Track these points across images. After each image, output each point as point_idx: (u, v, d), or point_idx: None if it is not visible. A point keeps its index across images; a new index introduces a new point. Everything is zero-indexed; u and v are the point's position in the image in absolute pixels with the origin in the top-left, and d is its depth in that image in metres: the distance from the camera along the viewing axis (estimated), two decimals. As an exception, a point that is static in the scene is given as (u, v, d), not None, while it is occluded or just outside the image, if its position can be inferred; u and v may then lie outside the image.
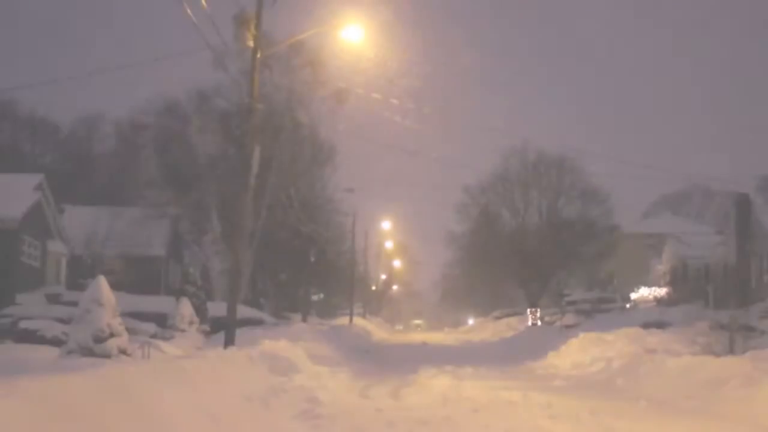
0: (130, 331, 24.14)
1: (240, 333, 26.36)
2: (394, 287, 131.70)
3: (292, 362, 23.05)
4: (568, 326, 52.19)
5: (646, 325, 39.41)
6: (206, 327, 37.44)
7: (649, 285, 69.15)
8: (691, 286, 57.50)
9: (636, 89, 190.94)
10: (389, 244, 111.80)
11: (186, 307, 34.67)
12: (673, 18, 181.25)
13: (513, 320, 73.83)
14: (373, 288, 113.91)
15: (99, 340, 19.60)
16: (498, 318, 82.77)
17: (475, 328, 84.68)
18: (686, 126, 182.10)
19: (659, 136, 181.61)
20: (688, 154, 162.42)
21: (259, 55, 25.42)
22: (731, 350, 25.31)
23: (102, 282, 20.15)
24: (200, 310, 37.53)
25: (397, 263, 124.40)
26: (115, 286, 22.86)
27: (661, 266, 72.54)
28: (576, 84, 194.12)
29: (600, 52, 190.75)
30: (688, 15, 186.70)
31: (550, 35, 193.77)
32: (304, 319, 60.68)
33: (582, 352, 32.80)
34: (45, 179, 51.44)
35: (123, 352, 19.92)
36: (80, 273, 51.83)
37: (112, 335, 19.84)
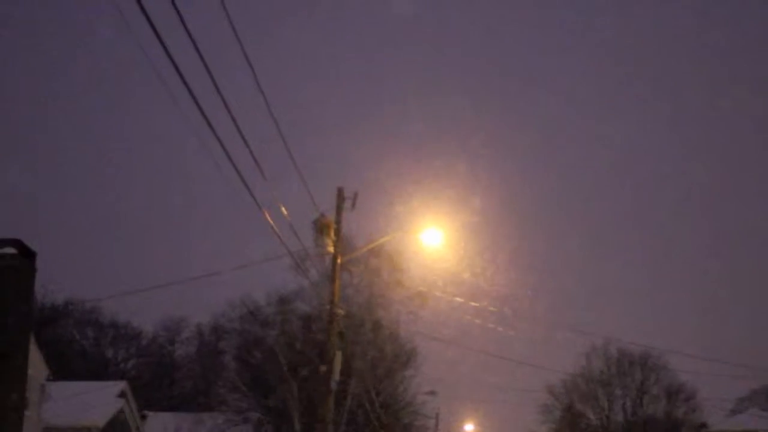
0: None
1: None
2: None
3: None
4: None
5: None
6: None
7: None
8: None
9: (721, 282, 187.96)
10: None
11: None
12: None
13: None
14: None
15: None
16: None
17: None
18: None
19: (746, 329, 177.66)
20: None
21: (339, 261, 25.66)
22: None
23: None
24: None
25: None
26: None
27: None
28: (657, 278, 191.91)
29: (680, 244, 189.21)
30: None
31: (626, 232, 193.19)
32: None
33: None
34: (128, 386, 51.80)
35: None
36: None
37: None
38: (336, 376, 25.54)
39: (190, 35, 12.70)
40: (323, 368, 26.13)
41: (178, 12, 12.07)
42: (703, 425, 77.75)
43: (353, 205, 26.11)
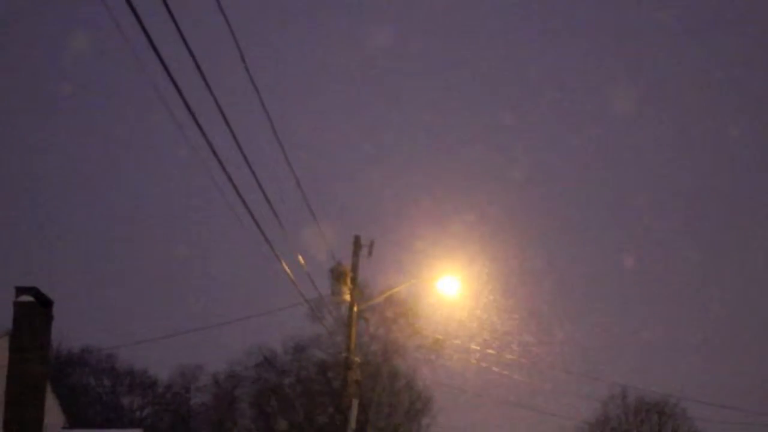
0: None
1: None
2: None
3: None
4: None
5: None
6: None
7: None
8: None
9: (741, 327, 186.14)
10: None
11: None
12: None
13: None
14: None
15: None
16: None
17: None
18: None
19: (764, 376, 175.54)
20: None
21: (355, 309, 25.60)
22: None
23: None
24: None
25: None
26: None
27: None
28: (673, 324, 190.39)
29: (697, 290, 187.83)
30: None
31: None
32: None
33: None
34: (144, 434, 51.70)
35: None
36: None
37: None
38: (352, 424, 25.42)
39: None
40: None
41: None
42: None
43: (370, 252, 26.10)
